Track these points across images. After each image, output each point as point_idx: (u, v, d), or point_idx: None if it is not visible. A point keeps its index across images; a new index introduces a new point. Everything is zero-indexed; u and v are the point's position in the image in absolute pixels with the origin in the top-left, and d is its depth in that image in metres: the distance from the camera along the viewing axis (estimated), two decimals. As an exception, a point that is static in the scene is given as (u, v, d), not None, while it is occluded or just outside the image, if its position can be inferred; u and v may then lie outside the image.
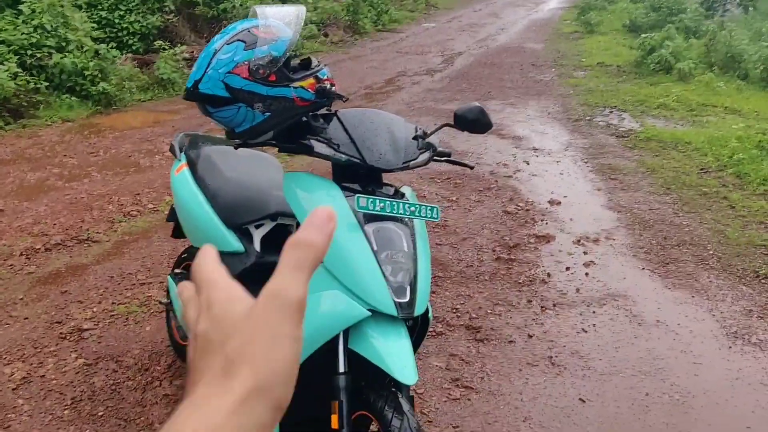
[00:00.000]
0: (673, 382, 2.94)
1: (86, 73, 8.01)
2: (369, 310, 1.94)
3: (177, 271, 3.02)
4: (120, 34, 9.85)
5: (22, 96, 7.49)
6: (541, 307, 3.55)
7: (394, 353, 1.94)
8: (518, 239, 4.34)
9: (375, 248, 2.00)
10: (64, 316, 3.62)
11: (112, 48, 8.73)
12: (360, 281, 1.95)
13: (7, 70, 7.27)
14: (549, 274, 3.89)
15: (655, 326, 3.38)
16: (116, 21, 9.89)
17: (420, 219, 2.12)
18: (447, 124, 2.34)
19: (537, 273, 3.91)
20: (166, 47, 9.27)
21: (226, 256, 2.56)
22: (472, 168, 2.52)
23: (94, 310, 3.67)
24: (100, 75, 8.10)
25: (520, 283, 3.80)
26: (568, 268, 3.97)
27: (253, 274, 2.52)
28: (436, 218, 2.13)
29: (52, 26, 8.14)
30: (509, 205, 4.88)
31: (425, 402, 2.82)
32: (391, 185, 2.23)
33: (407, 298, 1.98)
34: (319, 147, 2.09)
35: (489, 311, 3.51)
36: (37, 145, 6.69)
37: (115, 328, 3.49)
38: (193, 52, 9.85)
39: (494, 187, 5.27)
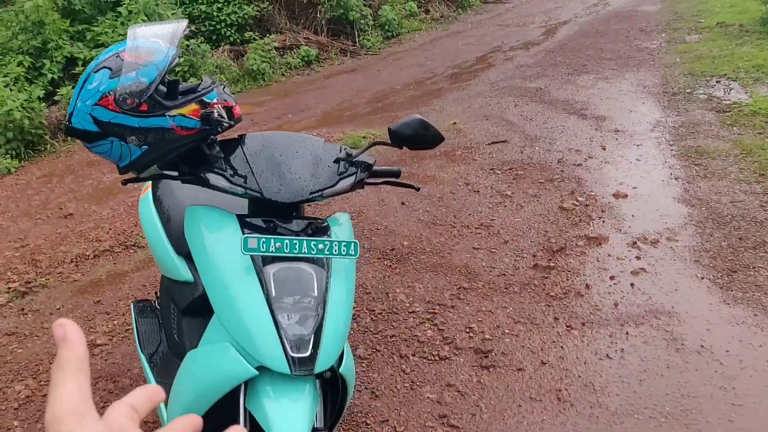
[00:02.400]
0: (700, 430, 2.47)
1: (176, 69, 8.21)
2: (260, 367, 1.71)
3: (147, 298, 2.93)
4: (218, 26, 10.05)
5: (115, 96, 7.79)
6: (567, 326, 3.13)
7: (283, 415, 1.70)
8: (565, 241, 3.89)
9: (273, 294, 1.77)
10: (87, 328, 3.66)
11: (203, 42, 8.90)
12: (248, 335, 1.72)
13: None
14: (588, 286, 3.45)
15: (696, 353, 2.88)
16: (214, 14, 10.10)
17: (333, 257, 1.85)
18: (378, 142, 2.05)
19: (574, 284, 3.48)
20: (256, 37, 9.34)
21: (177, 285, 2.42)
22: (417, 189, 2.21)
23: (116, 323, 3.68)
24: (189, 70, 8.29)
25: (551, 296, 3.39)
26: (612, 278, 3.50)
27: (201, 306, 2.37)
28: (354, 255, 1.85)
29: (147, 26, 8.40)
30: (567, 200, 4.41)
31: (403, 442, 2.55)
32: (308, 218, 1.97)
33: (307, 353, 1.72)
34: (215, 179, 1.87)
35: (507, 331, 3.15)
36: (124, 145, 6.93)
37: (125, 344, 3.48)
38: (285, 40, 9.89)
39: (557, 179, 4.79)
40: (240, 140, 1.97)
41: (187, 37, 8.86)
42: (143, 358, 2.47)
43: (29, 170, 6.53)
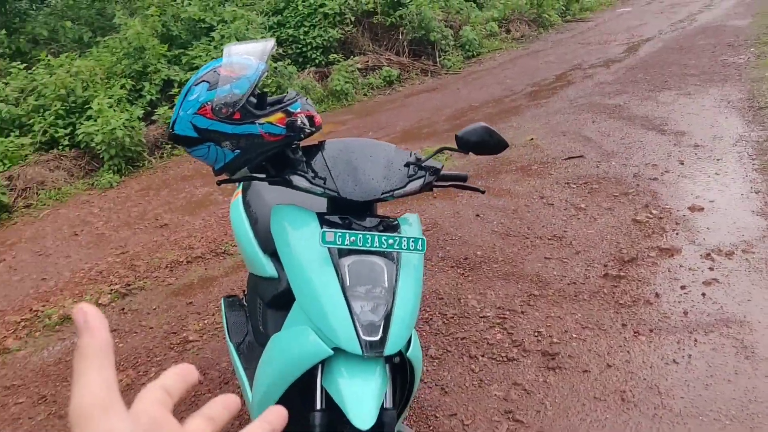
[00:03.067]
0: (765, 432, 2.50)
1: (265, 90, 8.65)
2: (335, 349, 1.90)
3: (235, 294, 3.18)
4: (304, 49, 10.48)
5: (207, 116, 8.27)
6: (635, 332, 3.19)
7: (356, 394, 1.88)
8: (637, 252, 3.94)
9: (347, 283, 1.96)
10: (180, 327, 3.97)
11: (290, 64, 9.32)
12: (325, 318, 1.92)
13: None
14: (657, 294, 3.49)
15: (767, 361, 2.89)
16: (301, 37, 10.55)
17: (402, 252, 2.03)
18: (446, 148, 2.22)
19: (644, 292, 3.52)
20: (340, 59, 9.70)
21: (262, 281, 2.65)
22: (482, 192, 2.36)
23: (206, 322, 3.97)
24: (277, 90, 8.70)
25: (620, 303, 3.45)
26: (683, 287, 3.53)
27: (284, 299, 2.59)
28: (422, 250, 2.03)
29: (237, 50, 8.88)
30: (641, 213, 4.44)
31: (469, 434, 2.69)
32: (380, 216, 2.16)
33: (378, 337, 1.90)
34: (298, 180, 2.09)
35: (574, 335, 3.24)
36: (215, 161, 7.36)
37: (215, 341, 3.75)
38: (368, 61, 10.21)
39: (632, 192, 4.82)
40: (320, 146, 2.19)
41: (275, 59, 9.31)
42: (232, 346, 2.71)
43: (129, 184, 7.02)
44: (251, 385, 2.44)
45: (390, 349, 1.90)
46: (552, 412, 2.73)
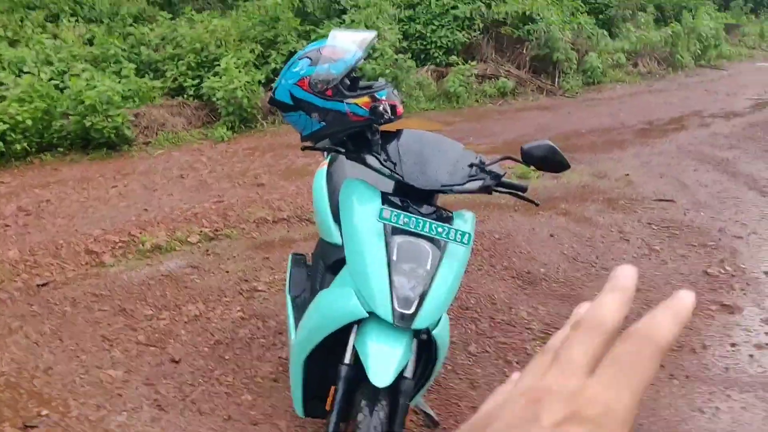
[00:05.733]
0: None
1: (381, 79, 8.96)
2: (370, 313, 2.14)
3: (302, 253, 3.46)
4: (428, 46, 10.73)
5: (323, 93, 8.69)
6: (670, 374, 3.25)
7: (379, 355, 2.11)
8: (697, 303, 3.94)
9: (394, 258, 2.19)
10: (253, 276, 4.31)
11: (410, 58, 9.59)
12: (367, 284, 2.15)
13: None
14: (705, 346, 3.52)
15: (793, 430, 2.90)
16: (427, 35, 10.81)
17: (449, 242, 2.23)
18: (509, 157, 2.40)
19: (692, 341, 3.56)
20: (460, 62, 9.89)
21: (328, 246, 2.92)
22: (537, 205, 2.52)
23: (276, 277, 4.30)
24: (393, 81, 9.00)
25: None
26: (733, 345, 3.54)
27: (342, 265, 2.85)
28: (467, 244, 2.23)
29: (365, 36, 9.23)
30: (714, 267, 4.43)
31: (486, 428, 2.85)
32: (437, 207, 2.37)
33: (411, 311, 2.12)
34: (370, 159, 2.33)
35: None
36: (320, 136, 7.74)
37: (280, 295, 4.06)
38: (486, 69, 10.35)
39: (712, 245, 4.79)
40: (397, 133, 2.42)
41: (397, 51, 9.61)
42: (288, 298, 2.99)
43: (238, 141, 7.50)
44: (296, 331, 2.71)
45: (419, 323, 2.12)
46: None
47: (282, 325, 3.70)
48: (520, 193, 2.47)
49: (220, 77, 7.69)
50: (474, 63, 10.03)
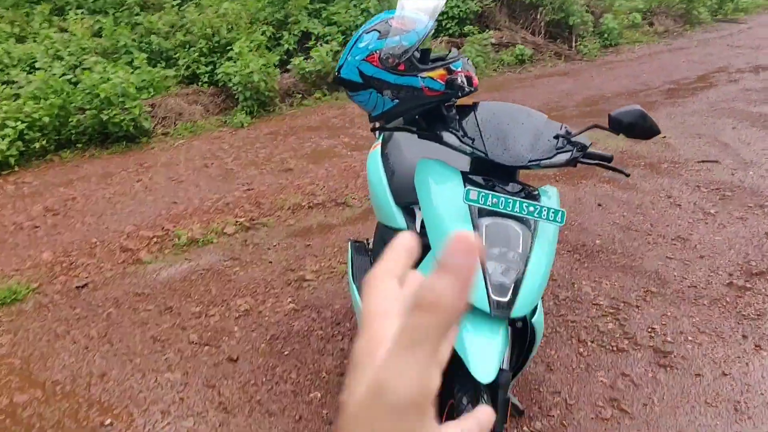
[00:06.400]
0: None
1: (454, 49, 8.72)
2: (463, 302, 1.97)
3: (361, 239, 3.29)
4: (440, 17, 10.46)
5: (340, 71, 8.47)
6: (756, 345, 3.09)
7: (478, 349, 1.95)
8: (766, 267, 3.78)
9: (483, 243, 2.02)
10: (298, 265, 4.16)
11: (424, 31, 9.34)
12: (458, 273, 1.98)
13: (330, 50, 8.30)
14: (785, 311, 3.36)
15: None
16: (439, 6, 10.53)
17: (541, 221, 2.07)
18: (597, 125, 2.22)
19: (769, 307, 3.40)
20: (475, 32, 9.63)
21: (389, 230, 2.76)
22: (627, 176, 2.34)
23: (322, 264, 4.14)
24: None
25: (743, 315, 3.35)
26: (814, 309, 3.38)
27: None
28: (560, 222, 2.06)
29: (376, 10, 9.00)
30: (777, 228, 4.26)
31: (571, 414, 2.71)
32: (522, 184, 2.20)
33: (507, 298, 1.96)
34: (448, 137, 2.15)
35: (690, 338, 3.17)
36: (341, 116, 7.56)
37: (330, 283, 3.91)
38: (502, 37, 10.09)
39: (768, 206, 4.61)
40: (473, 107, 2.24)
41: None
42: (354, 286, 2.83)
43: (258, 126, 7.31)
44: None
45: (517, 312, 1.96)
46: (659, 409, 2.71)
47: (338, 315, 3.55)
48: (607, 164, 2.30)
49: (235, 62, 7.49)
50: (490, 32, 9.77)
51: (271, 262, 4.20)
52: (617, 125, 2.13)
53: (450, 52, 2.24)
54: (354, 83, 2.15)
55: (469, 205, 2.05)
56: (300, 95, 8.04)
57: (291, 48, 8.48)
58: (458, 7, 10.42)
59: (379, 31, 2.11)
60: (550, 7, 10.19)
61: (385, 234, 2.81)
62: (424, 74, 2.09)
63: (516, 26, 10.53)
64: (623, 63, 9.74)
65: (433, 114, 2.19)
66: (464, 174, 2.16)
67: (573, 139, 2.19)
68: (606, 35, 10.54)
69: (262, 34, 8.24)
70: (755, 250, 4.00)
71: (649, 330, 3.25)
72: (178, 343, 3.34)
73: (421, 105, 2.15)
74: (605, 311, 3.42)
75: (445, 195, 2.10)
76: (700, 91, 7.86)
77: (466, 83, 2.14)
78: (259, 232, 4.66)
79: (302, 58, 8.19)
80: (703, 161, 5.52)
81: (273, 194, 5.29)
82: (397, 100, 2.13)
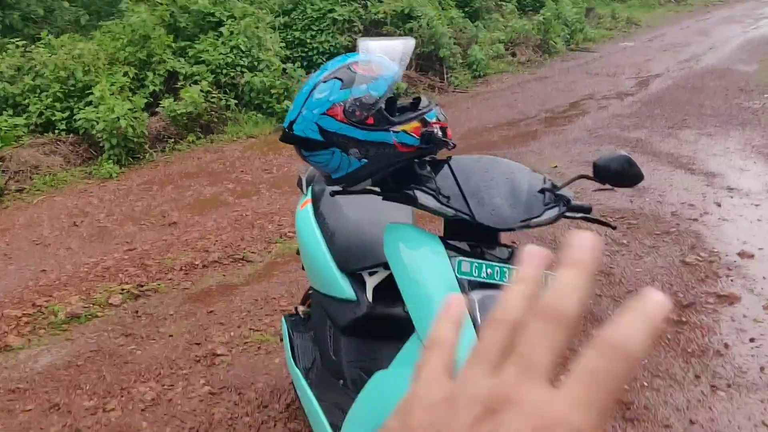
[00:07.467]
0: None
1: (273, 91, 8.36)
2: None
3: (297, 310, 2.89)
4: (310, 53, 10.22)
5: (213, 113, 7.98)
6: (712, 386, 2.99)
7: None
8: (694, 297, 3.75)
9: (479, 320, 1.71)
10: (203, 337, 3.67)
11: (299, 67, 9.05)
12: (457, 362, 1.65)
13: (201, 90, 7.78)
14: (727, 345, 3.29)
15: None
16: (308, 41, 10.29)
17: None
18: (583, 176, 1.98)
19: (712, 342, 3.33)
20: (349, 67, 9.44)
21: (336, 303, 2.40)
22: (614, 228, 2.13)
23: (232, 334, 3.68)
24: (285, 93, 8.42)
25: (688, 352, 3.25)
26: (752, 340, 3.34)
27: (363, 325, 2.33)
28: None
29: (246, 47, 8.58)
30: (689, 255, 4.27)
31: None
32: (507, 246, 1.92)
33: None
34: (424, 198, 1.83)
35: (645, 383, 3.02)
36: (219, 160, 7.06)
37: (246, 357, 3.46)
38: (376, 71, 9.98)
39: (674, 232, 4.65)
40: (448, 162, 1.94)
41: (283, 61, 9.04)
42: (298, 372, 2.43)
43: (129, 176, 6.67)
44: (330, 420, 2.17)
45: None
46: (640, 471, 2.51)
47: (263, 395, 3.10)
48: (591, 216, 2.07)
49: (96, 107, 6.81)
50: (364, 66, 9.62)
51: (171, 336, 3.69)
52: (604, 173, 1.91)
53: (420, 100, 1.92)
54: (312, 141, 1.78)
55: (460, 279, 1.74)
56: (172, 140, 7.46)
57: (157, 89, 7.87)
58: (328, 41, 10.24)
59: (342, 80, 1.76)
60: (420, 40, 10.21)
61: (327, 304, 2.44)
62: (398, 128, 1.76)
63: (387, 60, 10.45)
64: (496, 93, 9.89)
65: (403, 172, 1.87)
66: (443, 240, 1.85)
67: (558, 192, 1.94)
68: (475, 66, 10.71)
69: (123, 75, 7.59)
70: (677, 281, 3.97)
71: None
72: (74, 453, 2.77)
73: (393, 163, 1.82)
74: (553, 362, 3.21)
75: (430, 269, 1.77)
76: (576, 118, 8.07)
77: (441, 136, 1.83)
78: (150, 300, 4.11)
79: (171, 99, 7.62)
80: (599, 189, 5.55)
81: (159, 253, 4.74)
82: (365, 159, 1.78)
